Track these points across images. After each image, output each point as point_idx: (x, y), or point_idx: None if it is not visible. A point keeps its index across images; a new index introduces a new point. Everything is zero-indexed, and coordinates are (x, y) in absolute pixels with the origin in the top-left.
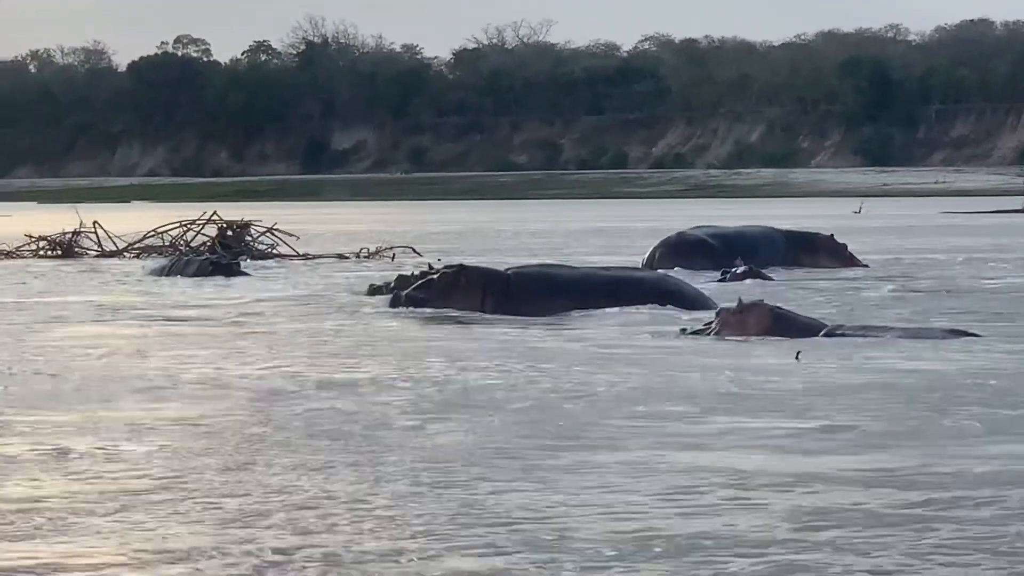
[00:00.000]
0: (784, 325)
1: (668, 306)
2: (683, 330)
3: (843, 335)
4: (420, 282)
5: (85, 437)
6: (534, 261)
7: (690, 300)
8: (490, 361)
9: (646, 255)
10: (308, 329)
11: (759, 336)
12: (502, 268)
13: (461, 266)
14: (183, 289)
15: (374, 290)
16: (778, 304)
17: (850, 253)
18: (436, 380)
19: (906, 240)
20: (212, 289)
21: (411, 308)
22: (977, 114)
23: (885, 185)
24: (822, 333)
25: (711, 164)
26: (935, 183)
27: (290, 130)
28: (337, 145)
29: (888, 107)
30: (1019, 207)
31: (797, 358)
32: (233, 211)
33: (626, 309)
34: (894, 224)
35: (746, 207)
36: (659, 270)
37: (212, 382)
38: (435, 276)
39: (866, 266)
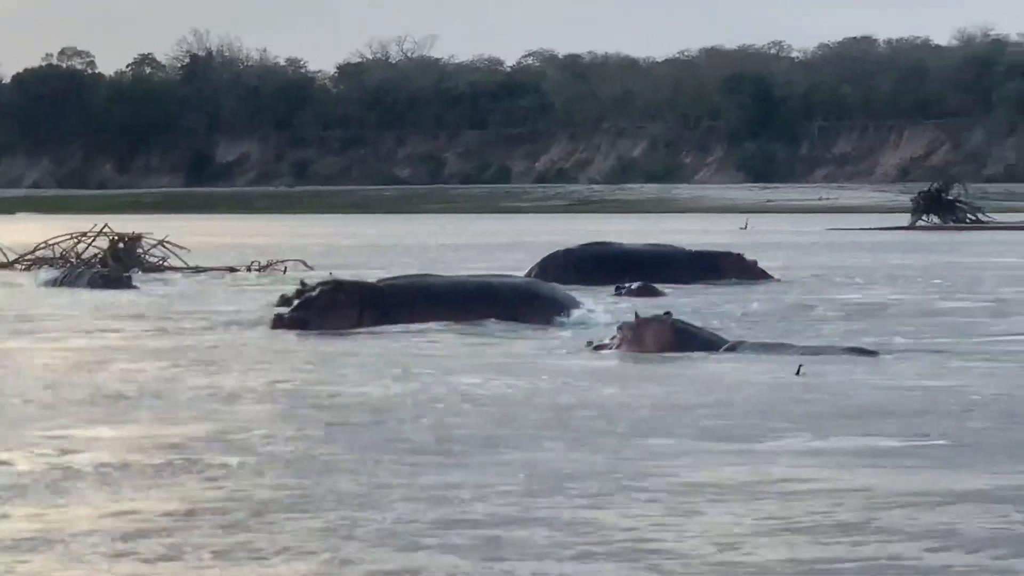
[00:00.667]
0: (685, 340)
1: (541, 312)
2: (589, 343)
3: (745, 351)
4: (298, 302)
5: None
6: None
7: (563, 306)
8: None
9: (531, 271)
10: (197, 344)
11: (658, 351)
12: (374, 281)
13: (337, 282)
14: (76, 301)
15: (285, 301)
16: (680, 318)
17: (760, 268)
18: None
19: (798, 257)
20: (103, 301)
21: (292, 329)
22: (860, 131)
23: (769, 201)
24: (723, 349)
25: (593, 179)
26: (819, 200)
27: (175, 143)
28: (221, 158)
29: (771, 124)
30: (906, 224)
31: (799, 373)
32: (120, 223)
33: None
34: (782, 240)
35: (631, 222)
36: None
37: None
38: (313, 295)
39: (779, 280)
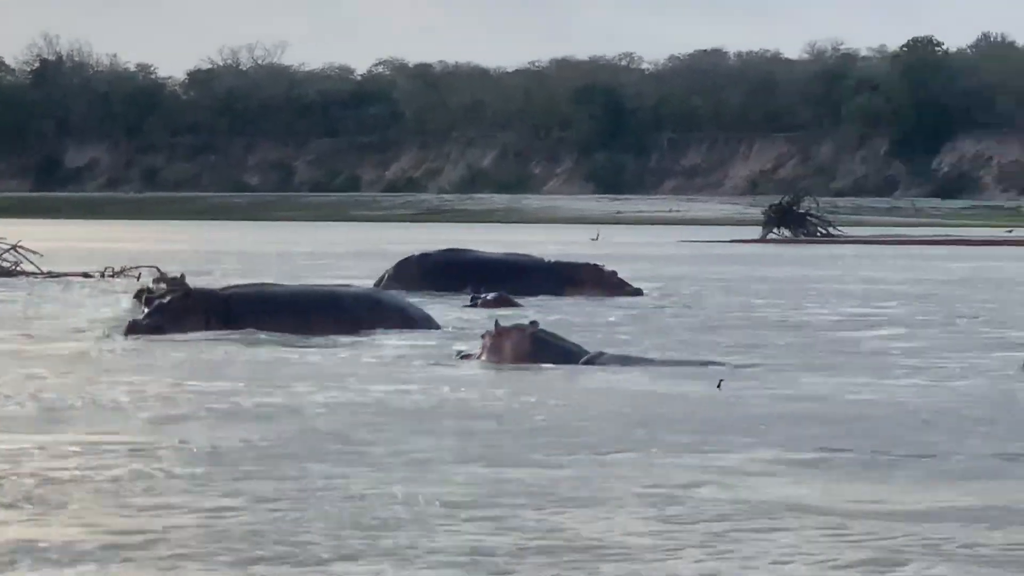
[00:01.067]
0: (543, 351)
1: (386, 322)
2: (458, 352)
3: (604, 363)
4: (152, 308)
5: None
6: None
7: (409, 318)
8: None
9: (385, 275)
10: (57, 350)
11: (515, 361)
12: (219, 289)
13: (187, 290)
14: None
15: (138, 303)
16: (543, 329)
17: (620, 280)
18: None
19: (652, 269)
20: None
21: (148, 334)
22: (709, 143)
23: (619, 213)
24: (582, 360)
25: (443, 189)
26: (669, 212)
27: (23, 147)
28: (70, 163)
29: (621, 135)
30: (757, 237)
31: (719, 387)
32: None
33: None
34: (636, 252)
35: (481, 232)
36: (400, 291)
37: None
38: (166, 301)
39: (640, 292)
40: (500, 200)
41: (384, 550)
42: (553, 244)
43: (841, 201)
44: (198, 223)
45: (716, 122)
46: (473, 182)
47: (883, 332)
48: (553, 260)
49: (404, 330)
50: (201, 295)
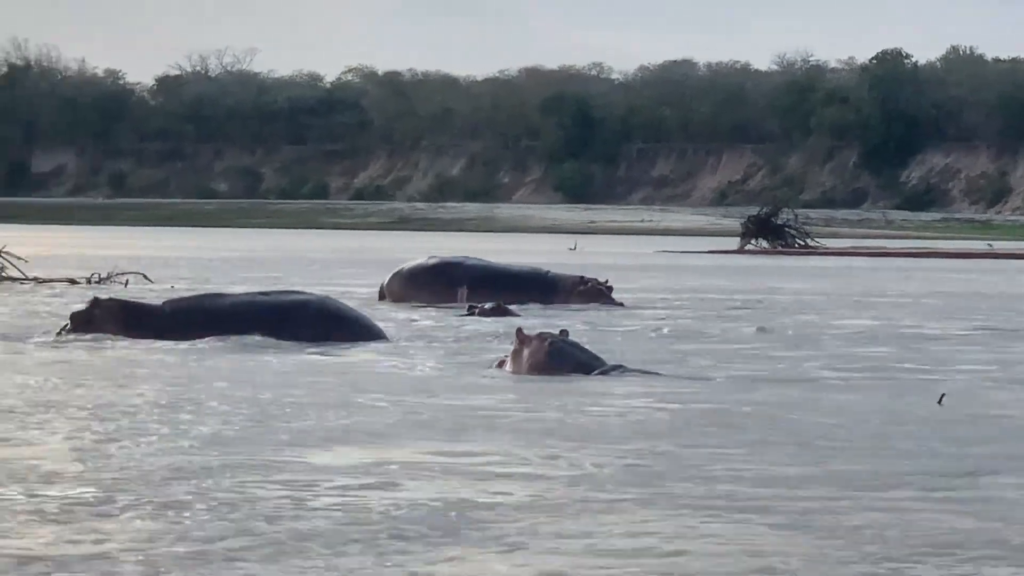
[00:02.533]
0: (559, 361)
1: (332, 334)
2: (501, 363)
3: (621, 375)
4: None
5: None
6: (254, 289)
7: (357, 327)
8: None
9: (385, 283)
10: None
11: (532, 372)
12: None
13: (95, 299)
14: None
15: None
16: (565, 339)
17: (606, 292)
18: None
19: (636, 280)
20: None
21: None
22: (678, 154)
23: (592, 223)
24: (595, 372)
25: (412, 197)
26: (641, 222)
27: None
28: (37, 168)
29: (590, 145)
30: (735, 247)
31: (940, 402)
32: None
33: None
34: (615, 262)
35: (455, 240)
36: (400, 301)
37: None
38: (77, 311)
39: (622, 304)
40: (472, 209)
41: None
42: (530, 254)
43: (813, 212)
44: (168, 229)
45: (685, 133)
46: (441, 191)
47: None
48: (546, 270)
49: (353, 342)
50: (113, 304)
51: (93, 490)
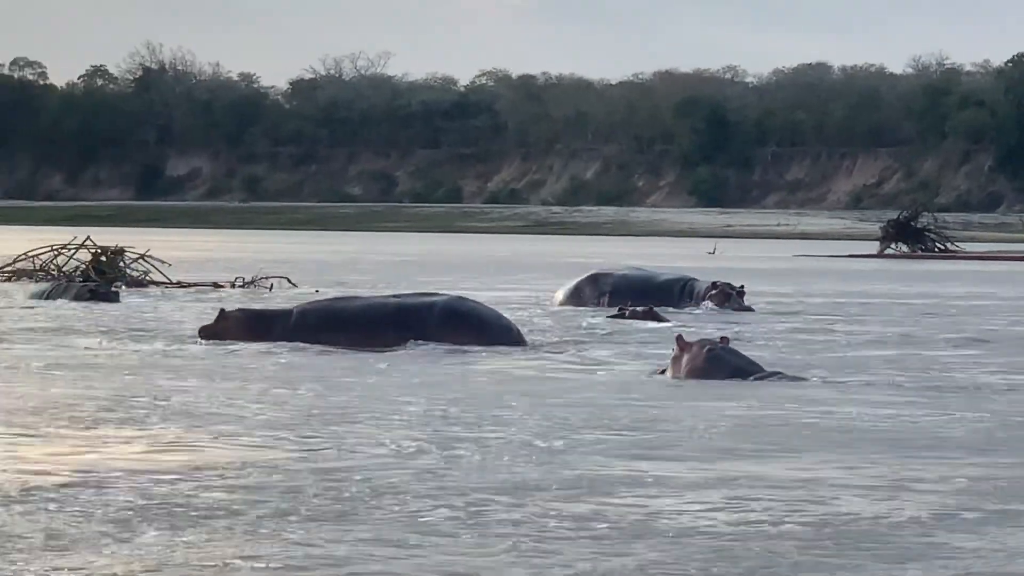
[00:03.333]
0: (716, 366)
1: (462, 336)
2: (663, 371)
3: (776, 381)
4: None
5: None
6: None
7: (489, 329)
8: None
9: (568, 290)
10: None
11: (690, 376)
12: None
13: (221, 311)
14: (59, 314)
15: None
16: (724, 346)
17: (737, 296)
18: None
19: (781, 284)
20: (98, 313)
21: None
22: (813, 158)
23: (728, 226)
24: (752, 378)
25: (545, 200)
26: (777, 225)
27: (125, 156)
28: (172, 172)
29: (724, 148)
30: (874, 251)
31: None
32: (70, 235)
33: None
34: (755, 267)
35: (593, 245)
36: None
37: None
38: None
39: (751, 309)
40: (608, 213)
41: None
42: (668, 258)
43: (949, 216)
44: (305, 233)
45: (820, 136)
46: (575, 194)
47: None
48: (682, 276)
49: (483, 346)
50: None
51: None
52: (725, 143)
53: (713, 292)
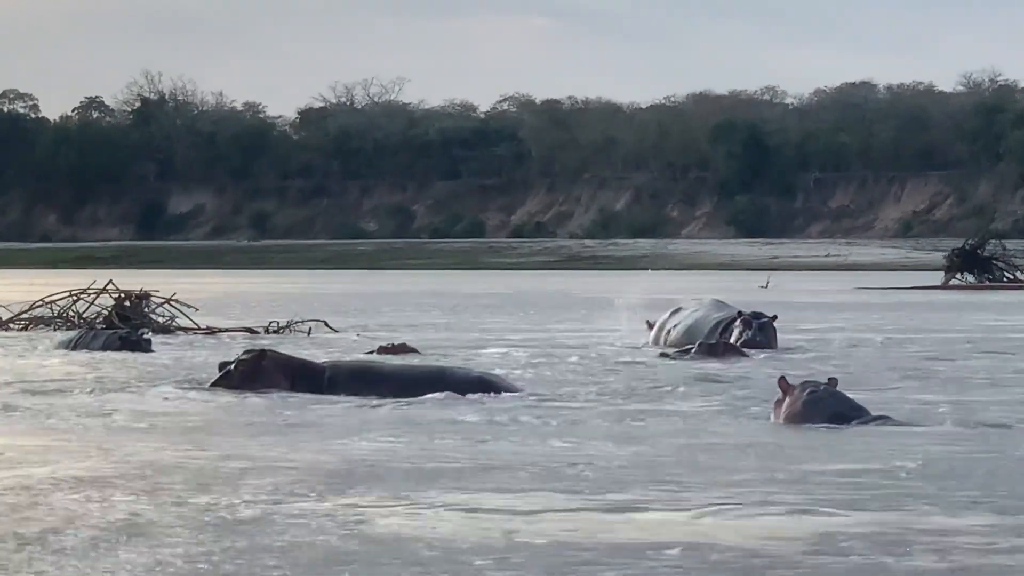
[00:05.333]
0: (815, 411)
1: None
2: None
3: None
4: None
5: None
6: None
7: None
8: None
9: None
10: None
11: (788, 421)
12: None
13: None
14: (89, 364)
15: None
16: (824, 386)
17: (762, 326)
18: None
19: (859, 319)
20: (142, 363)
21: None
22: (858, 183)
23: (775, 258)
24: (855, 422)
25: (574, 233)
26: (826, 256)
27: (124, 192)
28: (175, 209)
29: (763, 175)
30: (939, 283)
31: None
32: (73, 278)
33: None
34: (815, 300)
35: (628, 280)
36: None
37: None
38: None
39: (771, 346)
40: (644, 245)
41: None
42: (716, 292)
43: (1009, 243)
44: (323, 272)
45: (865, 160)
46: (605, 227)
47: None
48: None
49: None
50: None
51: None
52: (764, 169)
53: (740, 320)
